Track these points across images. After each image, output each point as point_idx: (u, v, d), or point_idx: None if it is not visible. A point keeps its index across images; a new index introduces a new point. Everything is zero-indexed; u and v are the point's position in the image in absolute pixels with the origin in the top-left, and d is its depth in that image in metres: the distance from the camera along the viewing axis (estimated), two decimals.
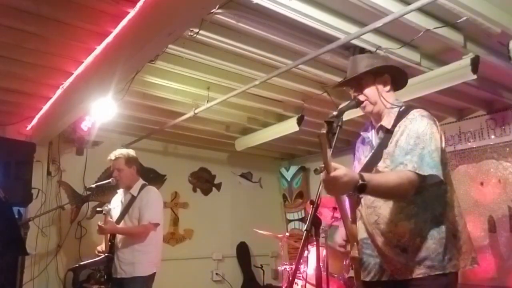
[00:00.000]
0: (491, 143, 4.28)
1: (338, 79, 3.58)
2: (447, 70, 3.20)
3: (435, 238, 1.71)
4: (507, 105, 4.13)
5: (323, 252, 3.41)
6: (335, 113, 1.75)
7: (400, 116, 1.84)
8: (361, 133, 2.05)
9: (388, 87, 1.94)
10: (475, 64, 3.00)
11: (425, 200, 1.73)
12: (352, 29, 2.77)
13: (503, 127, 4.21)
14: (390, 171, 1.73)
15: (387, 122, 1.87)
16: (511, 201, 4.08)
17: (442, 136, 1.80)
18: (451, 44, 2.94)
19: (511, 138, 4.15)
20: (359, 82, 1.93)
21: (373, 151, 1.89)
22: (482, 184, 4.30)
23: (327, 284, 3.12)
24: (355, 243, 1.77)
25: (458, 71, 3.11)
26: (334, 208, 3.87)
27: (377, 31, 2.80)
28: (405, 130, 1.77)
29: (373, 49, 2.96)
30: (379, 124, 1.91)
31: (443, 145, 1.80)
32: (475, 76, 3.04)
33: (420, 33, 2.73)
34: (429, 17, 2.71)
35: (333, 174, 1.50)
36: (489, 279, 4.08)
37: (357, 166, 2.01)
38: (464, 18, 2.58)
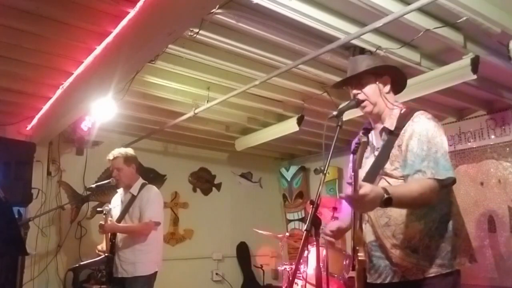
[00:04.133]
0: (491, 143, 4.28)
1: (338, 79, 3.53)
2: (447, 70, 3.19)
3: (443, 237, 1.73)
4: (507, 105, 4.13)
5: (323, 252, 3.41)
6: (335, 113, 1.75)
7: (402, 118, 1.84)
8: (361, 134, 2.02)
9: (388, 88, 1.94)
10: (475, 64, 3.00)
11: None
12: (352, 29, 2.77)
13: (503, 127, 4.21)
14: (411, 180, 1.72)
15: (389, 123, 1.86)
16: (511, 201, 4.08)
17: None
18: (451, 44, 2.94)
19: (511, 138, 4.15)
20: (359, 82, 1.93)
21: (377, 153, 1.88)
22: (482, 184, 4.30)
23: (327, 284, 3.11)
24: (360, 247, 1.76)
25: (458, 71, 3.11)
26: (334, 208, 3.87)
27: (377, 31, 2.80)
28: (414, 134, 1.76)
29: (373, 49, 2.96)
30: (382, 126, 1.90)
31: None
32: (475, 76, 3.04)
33: (420, 33, 2.73)
34: (429, 17, 2.70)
35: (361, 192, 1.50)
36: (489, 279, 4.08)
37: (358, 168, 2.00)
38: (464, 18, 2.58)
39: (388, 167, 1.80)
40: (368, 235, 1.84)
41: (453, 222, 1.77)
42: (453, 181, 1.72)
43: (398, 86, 2.00)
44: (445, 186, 1.71)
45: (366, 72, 1.90)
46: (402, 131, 1.80)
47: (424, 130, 1.75)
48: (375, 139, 1.94)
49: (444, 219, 1.76)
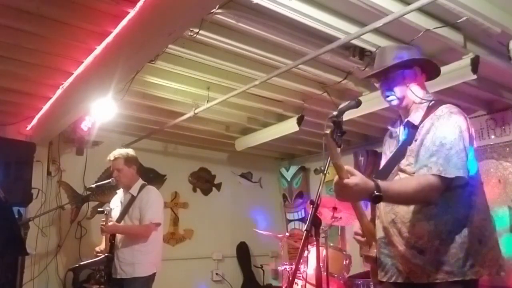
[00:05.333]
0: (491, 143, 4.28)
1: (338, 79, 3.59)
2: (447, 70, 3.19)
3: (456, 242, 1.63)
4: (507, 105, 4.13)
5: (323, 252, 3.41)
6: (335, 113, 1.75)
7: (428, 111, 1.77)
8: (389, 127, 2.00)
9: (417, 80, 1.87)
10: (475, 64, 3.00)
11: (447, 201, 1.65)
12: (352, 29, 2.77)
13: (503, 127, 4.21)
14: (413, 176, 1.68)
15: (414, 117, 1.81)
16: (511, 201, 4.08)
17: (472, 133, 1.73)
18: (451, 44, 2.93)
19: (511, 138, 4.15)
20: (386, 75, 1.86)
21: (397, 147, 1.84)
22: (482, 184, 4.29)
23: (327, 284, 3.12)
24: (373, 242, 1.75)
25: (458, 71, 3.11)
26: (334, 208, 3.87)
27: (377, 31, 2.80)
28: (432, 128, 1.70)
29: (373, 49, 2.96)
30: (406, 120, 1.85)
31: (474, 142, 1.73)
32: (475, 76, 3.04)
33: (420, 33, 2.73)
34: (429, 17, 2.70)
35: (345, 181, 1.46)
36: (489, 279, 4.07)
37: (383, 161, 1.98)
38: (464, 18, 2.58)
39: (403, 162, 1.76)
40: (379, 231, 1.80)
41: (473, 228, 1.65)
42: (466, 182, 1.64)
43: (431, 74, 1.93)
44: (458, 186, 1.63)
45: (393, 66, 1.83)
46: (421, 125, 1.74)
47: (442, 125, 1.68)
48: (401, 133, 1.89)
49: (460, 222, 1.64)
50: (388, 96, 1.88)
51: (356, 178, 1.49)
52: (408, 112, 1.86)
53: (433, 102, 1.81)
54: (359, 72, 3.34)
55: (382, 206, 1.79)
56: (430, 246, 1.65)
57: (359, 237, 1.87)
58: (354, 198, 1.56)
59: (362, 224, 1.75)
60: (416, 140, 1.74)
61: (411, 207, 1.70)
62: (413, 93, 1.84)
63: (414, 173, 1.71)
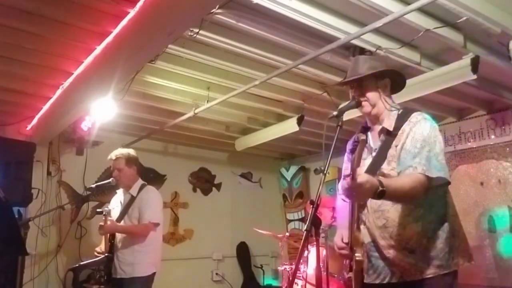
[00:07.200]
0: (491, 143, 4.28)
1: (338, 79, 3.58)
2: (447, 70, 3.19)
3: (441, 238, 1.76)
4: (507, 105, 4.13)
5: (323, 252, 3.41)
6: (335, 113, 1.76)
7: (400, 119, 1.87)
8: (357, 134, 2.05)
9: (387, 90, 1.98)
10: (475, 64, 3.00)
11: (430, 201, 1.77)
12: (352, 29, 2.77)
13: (503, 127, 4.21)
14: (402, 175, 1.75)
15: (388, 124, 1.89)
16: (511, 201, 4.08)
17: (441, 138, 1.84)
18: (451, 44, 2.94)
19: (511, 138, 4.15)
20: (360, 84, 1.95)
21: (374, 153, 1.90)
22: (482, 184, 4.29)
23: (327, 284, 3.13)
24: (358, 247, 1.76)
25: (458, 71, 3.11)
26: (334, 208, 3.87)
27: (377, 31, 2.80)
28: (410, 133, 1.80)
29: (373, 49, 2.96)
30: (380, 127, 1.92)
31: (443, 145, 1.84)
32: (475, 76, 3.04)
33: (420, 33, 2.73)
34: (429, 17, 2.70)
35: (358, 181, 1.53)
36: (489, 279, 4.07)
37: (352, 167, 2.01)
38: (464, 18, 2.58)
39: (385, 167, 1.82)
40: (366, 236, 1.86)
41: (450, 223, 1.80)
42: (446, 182, 1.76)
43: (397, 87, 2.05)
44: (438, 185, 1.74)
45: (368, 75, 1.92)
46: (400, 131, 1.83)
47: (419, 129, 1.79)
48: (373, 140, 1.96)
49: (441, 220, 1.79)
50: (361, 103, 1.95)
51: (365, 176, 1.57)
52: (379, 119, 1.94)
53: (401, 110, 1.92)
54: None
55: (370, 212, 1.85)
56: (419, 245, 1.75)
57: (344, 251, 1.89)
58: (365, 195, 1.61)
59: (352, 229, 1.78)
60: (396, 146, 1.82)
61: (401, 211, 1.78)
62: (385, 101, 1.93)
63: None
